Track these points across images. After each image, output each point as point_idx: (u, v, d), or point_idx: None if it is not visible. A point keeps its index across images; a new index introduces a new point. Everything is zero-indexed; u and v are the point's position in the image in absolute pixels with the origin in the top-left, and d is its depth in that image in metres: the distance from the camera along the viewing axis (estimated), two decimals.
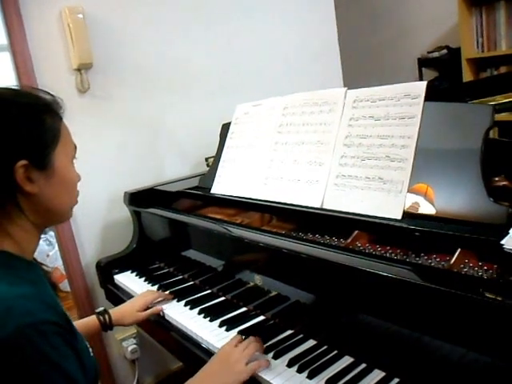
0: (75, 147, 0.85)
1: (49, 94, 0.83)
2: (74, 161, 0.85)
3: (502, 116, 1.98)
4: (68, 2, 1.69)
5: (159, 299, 1.35)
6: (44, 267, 0.87)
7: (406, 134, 1.03)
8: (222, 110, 1.66)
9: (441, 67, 3.19)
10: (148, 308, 1.31)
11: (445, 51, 3.07)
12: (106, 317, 1.25)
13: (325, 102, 1.25)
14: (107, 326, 1.25)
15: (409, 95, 1.06)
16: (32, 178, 0.75)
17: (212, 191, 1.51)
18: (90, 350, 0.86)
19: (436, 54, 3.12)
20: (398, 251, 0.94)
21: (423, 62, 3.24)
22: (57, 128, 0.79)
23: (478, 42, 2.82)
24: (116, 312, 1.29)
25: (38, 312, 0.68)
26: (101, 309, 1.27)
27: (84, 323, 1.24)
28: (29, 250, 0.80)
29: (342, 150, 1.16)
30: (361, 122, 1.14)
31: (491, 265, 0.80)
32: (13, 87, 0.81)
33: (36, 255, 0.83)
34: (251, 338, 1.01)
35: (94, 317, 1.25)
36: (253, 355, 0.97)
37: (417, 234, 0.92)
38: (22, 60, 1.63)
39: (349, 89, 1.21)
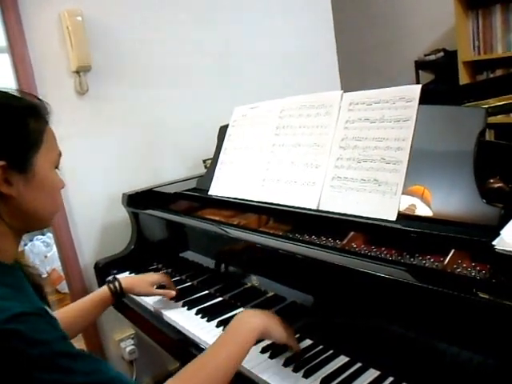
0: (60, 154, 0.83)
1: (36, 97, 0.82)
2: (59, 167, 0.83)
3: (498, 118, 1.99)
4: (67, 5, 1.70)
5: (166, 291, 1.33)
6: (31, 269, 0.85)
7: (401, 136, 1.05)
8: (220, 112, 1.67)
9: (437, 70, 3.21)
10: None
11: (441, 54, 3.09)
12: (117, 284, 1.25)
13: (321, 104, 1.26)
14: (118, 293, 1.24)
15: (404, 98, 1.07)
16: (10, 181, 0.73)
17: (209, 193, 1.52)
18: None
19: (433, 57, 3.14)
20: (393, 252, 0.95)
21: (420, 65, 3.25)
22: (40, 132, 0.78)
23: (474, 45, 2.84)
24: (127, 279, 1.30)
25: (13, 307, 0.66)
26: (110, 277, 1.27)
27: (95, 294, 1.24)
28: (7, 253, 0.77)
29: (338, 152, 1.17)
30: (356, 124, 1.15)
31: (484, 265, 0.81)
32: None
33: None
34: None
35: (104, 287, 1.25)
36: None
37: (411, 235, 0.93)
38: (21, 62, 1.64)
39: (345, 92, 1.22)
